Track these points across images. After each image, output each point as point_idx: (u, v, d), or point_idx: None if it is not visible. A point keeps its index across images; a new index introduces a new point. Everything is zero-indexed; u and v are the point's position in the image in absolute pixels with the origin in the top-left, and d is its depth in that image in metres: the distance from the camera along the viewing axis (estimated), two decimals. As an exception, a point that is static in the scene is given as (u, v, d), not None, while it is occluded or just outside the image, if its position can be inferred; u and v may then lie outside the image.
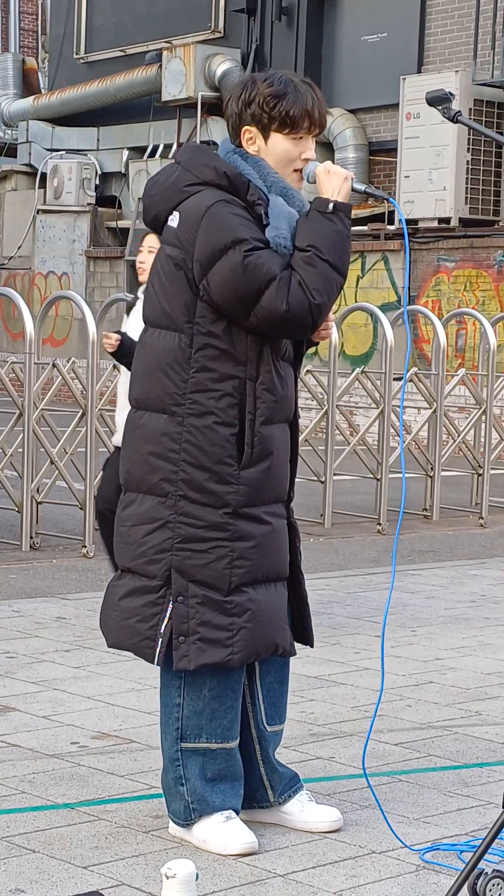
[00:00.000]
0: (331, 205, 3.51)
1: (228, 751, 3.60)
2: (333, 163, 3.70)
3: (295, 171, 3.59)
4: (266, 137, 3.56)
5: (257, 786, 3.73)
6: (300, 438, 3.81)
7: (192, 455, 3.51)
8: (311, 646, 3.80)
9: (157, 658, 3.54)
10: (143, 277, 5.61)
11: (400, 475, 10.58)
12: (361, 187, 3.64)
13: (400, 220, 3.59)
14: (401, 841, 3.67)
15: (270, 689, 3.73)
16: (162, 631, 3.53)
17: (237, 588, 3.53)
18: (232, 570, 3.52)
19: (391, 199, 3.66)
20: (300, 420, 3.93)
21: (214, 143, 19.33)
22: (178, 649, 3.52)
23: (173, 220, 3.54)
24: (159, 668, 3.62)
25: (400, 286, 16.48)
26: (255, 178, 3.53)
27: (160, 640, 3.53)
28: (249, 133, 3.57)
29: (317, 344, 3.81)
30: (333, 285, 3.49)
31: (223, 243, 3.44)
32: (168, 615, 3.53)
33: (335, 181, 3.54)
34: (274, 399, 3.55)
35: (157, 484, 3.54)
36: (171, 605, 3.53)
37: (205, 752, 3.58)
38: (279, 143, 3.56)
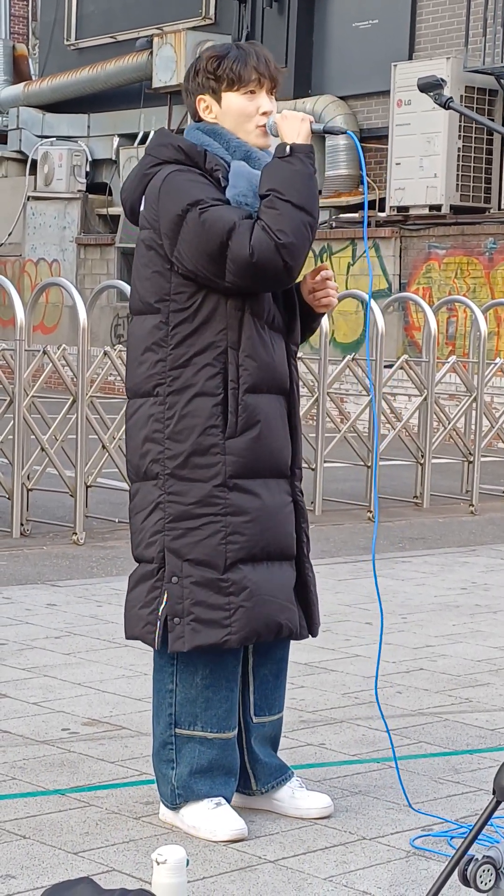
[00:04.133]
0: (288, 147, 3.48)
1: (225, 741, 3.57)
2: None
3: (258, 127, 3.56)
4: (219, 100, 3.55)
5: (242, 773, 3.72)
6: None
7: (175, 431, 3.47)
8: (314, 635, 3.70)
9: (156, 642, 3.49)
10: None
11: (391, 462, 10.59)
12: (320, 127, 3.60)
13: (357, 150, 3.61)
14: (407, 800, 3.68)
15: (264, 680, 3.69)
16: (160, 613, 3.49)
17: (233, 565, 3.46)
18: (227, 546, 3.46)
19: (350, 133, 3.62)
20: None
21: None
22: (172, 631, 3.47)
23: (142, 205, 3.55)
24: (155, 652, 3.58)
25: (391, 273, 16.47)
26: (216, 147, 3.52)
27: (159, 622, 3.48)
28: (204, 102, 3.57)
29: (320, 316, 3.73)
30: (299, 224, 3.42)
31: (180, 208, 3.42)
32: (165, 597, 3.48)
33: (293, 124, 3.51)
34: (257, 365, 3.49)
35: (148, 468, 3.52)
36: (165, 587, 3.49)
37: (201, 741, 3.56)
38: (232, 102, 3.55)
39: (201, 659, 3.52)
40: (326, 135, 3.70)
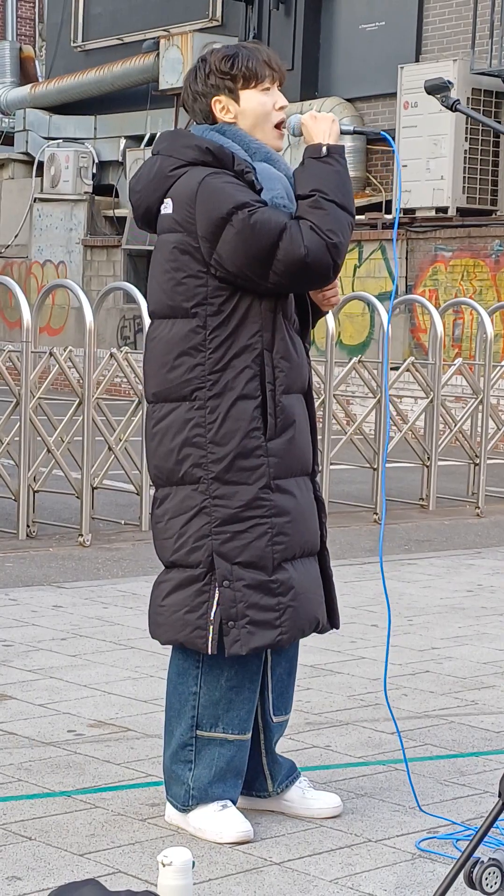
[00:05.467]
0: (324, 148, 3.50)
1: (242, 742, 3.59)
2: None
3: (275, 127, 3.58)
4: (237, 99, 3.56)
5: (256, 775, 3.72)
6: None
7: (218, 435, 3.48)
8: (337, 627, 3.73)
9: (210, 646, 3.49)
10: None
11: (397, 464, 10.59)
12: (350, 128, 3.64)
13: (393, 151, 3.60)
14: (416, 801, 3.68)
15: (280, 679, 3.71)
16: (212, 618, 3.48)
17: (279, 566, 3.50)
18: (273, 548, 3.49)
19: (384, 133, 3.64)
20: None
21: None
22: (228, 634, 3.47)
23: (166, 208, 3.52)
24: (176, 654, 3.58)
25: (398, 275, 16.45)
26: (237, 149, 3.52)
27: (211, 627, 3.48)
28: (220, 103, 3.56)
29: (324, 314, 3.78)
30: (344, 224, 3.48)
31: (225, 211, 3.42)
32: (216, 601, 3.49)
33: (323, 125, 3.54)
34: (290, 366, 3.53)
35: (188, 472, 3.51)
36: (217, 591, 3.49)
37: (221, 743, 3.57)
38: (251, 98, 3.56)
39: (227, 661, 3.53)
40: (353, 135, 3.72)
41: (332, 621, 3.70)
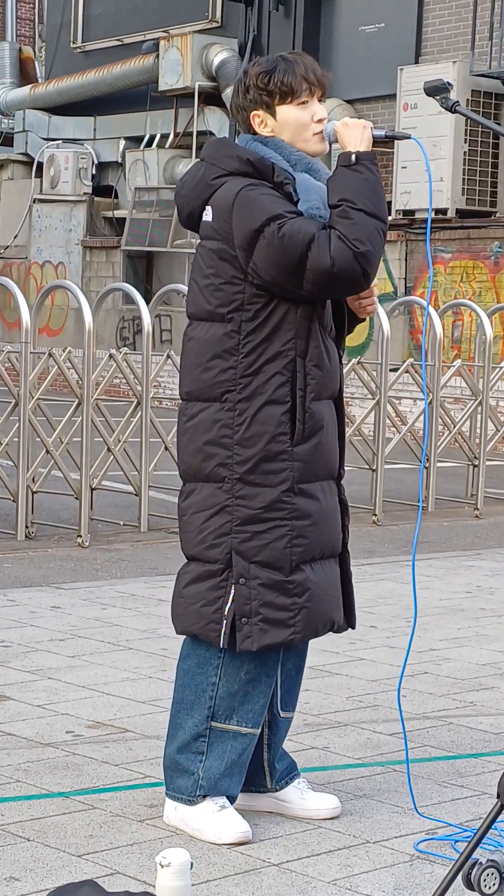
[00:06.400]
0: (353, 156, 3.53)
1: (253, 736, 3.63)
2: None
3: (315, 135, 3.60)
4: (273, 114, 3.60)
5: (257, 770, 3.75)
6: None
7: (245, 437, 3.54)
8: (353, 627, 3.78)
9: (222, 640, 3.55)
10: None
11: (396, 466, 10.58)
12: (382, 132, 3.63)
13: (422, 151, 3.60)
14: (413, 803, 3.68)
15: (288, 675, 3.76)
16: (226, 613, 3.55)
17: (297, 567, 3.55)
18: (292, 550, 3.55)
19: (414, 138, 3.64)
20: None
21: (211, 133, 19.32)
22: (240, 630, 3.54)
23: (207, 215, 3.59)
24: (198, 645, 3.62)
25: (397, 277, 16.47)
26: (279, 160, 3.57)
27: (224, 622, 3.55)
28: (258, 117, 3.61)
29: (361, 321, 3.81)
30: (374, 231, 3.50)
31: (258, 223, 3.48)
32: (231, 597, 3.55)
33: (354, 132, 3.56)
34: (322, 374, 3.58)
35: (213, 471, 3.58)
36: (233, 588, 3.55)
37: (234, 736, 3.60)
38: (287, 114, 3.59)
39: (249, 654, 3.58)
40: (390, 140, 3.70)
41: (350, 621, 3.77)
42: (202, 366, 3.59)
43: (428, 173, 3.76)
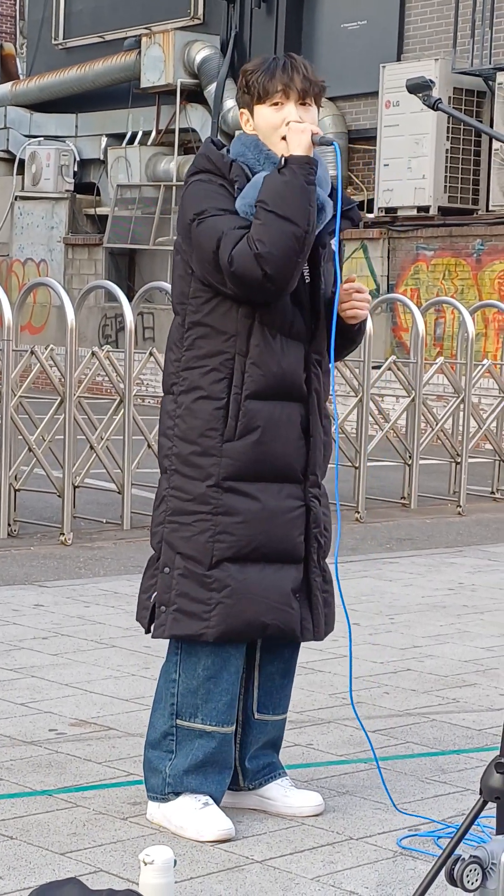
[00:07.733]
0: (283, 159, 3.53)
1: (224, 736, 3.61)
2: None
3: (283, 138, 3.58)
4: (253, 114, 3.63)
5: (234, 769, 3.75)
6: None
7: (182, 430, 3.59)
8: (319, 639, 3.72)
9: (147, 627, 3.63)
10: None
11: (378, 463, 10.59)
12: (316, 139, 3.60)
13: (337, 160, 3.59)
14: (391, 801, 3.68)
15: (269, 678, 3.74)
16: (152, 600, 3.62)
17: (219, 563, 3.55)
18: (214, 545, 3.55)
19: (335, 144, 3.62)
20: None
21: (193, 131, 19.31)
22: (158, 618, 3.60)
23: None
24: (170, 642, 3.66)
25: (379, 274, 16.48)
26: (250, 158, 3.59)
27: (148, 609, 3.63)
28: (244, 115, 3.66)
29: (358, 330, 3.71)
30: (280, 234, 3.44)
31: (188, 220, 3.55)
32: (158, 586, 3.61)
33: (294, 136, 3.55)
34: (262, 373, 3.54)
35: (161, 461, 3.67)
36: (159, 576, 3.61)
37: (200, 734, 3.59)
38: (261, 114, 3.62)
39: (204, 650, 3.57)
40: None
41: (315, 633, 3.68)
42: (166, 358, 3.68)
43: (338, 175, 3.68)
